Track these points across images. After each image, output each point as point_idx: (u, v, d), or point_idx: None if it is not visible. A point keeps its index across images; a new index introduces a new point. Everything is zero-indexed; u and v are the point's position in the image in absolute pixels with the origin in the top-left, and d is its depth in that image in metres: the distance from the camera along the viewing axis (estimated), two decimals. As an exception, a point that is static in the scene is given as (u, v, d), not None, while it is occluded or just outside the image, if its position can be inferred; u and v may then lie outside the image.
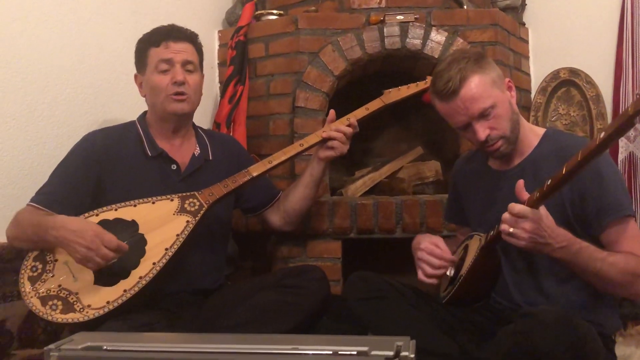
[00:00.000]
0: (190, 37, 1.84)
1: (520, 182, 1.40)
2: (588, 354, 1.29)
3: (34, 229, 1.61)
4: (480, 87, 1.51)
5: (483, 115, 1.51)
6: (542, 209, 1.37)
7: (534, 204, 1.36)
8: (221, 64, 2.76)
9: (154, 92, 1.80)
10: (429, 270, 1.62)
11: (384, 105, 2.02)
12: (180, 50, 1.79)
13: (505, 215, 1.39)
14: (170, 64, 1.78)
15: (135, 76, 1.87)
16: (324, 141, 1.94)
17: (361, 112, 1.99)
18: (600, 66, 2.66)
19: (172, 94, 1.77)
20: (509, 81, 1.59)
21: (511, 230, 1.38)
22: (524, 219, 1.35)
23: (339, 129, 1.92)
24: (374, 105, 2.01)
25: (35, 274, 1.58)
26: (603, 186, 1.47)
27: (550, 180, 1.33)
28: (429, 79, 2.01)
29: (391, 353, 1.04)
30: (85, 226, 1.57)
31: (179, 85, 1.77)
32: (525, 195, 1.39)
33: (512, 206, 1.37)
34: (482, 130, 1.52)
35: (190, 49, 1.82)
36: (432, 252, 1.62)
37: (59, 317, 1.52)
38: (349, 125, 1.94)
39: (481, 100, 1.50)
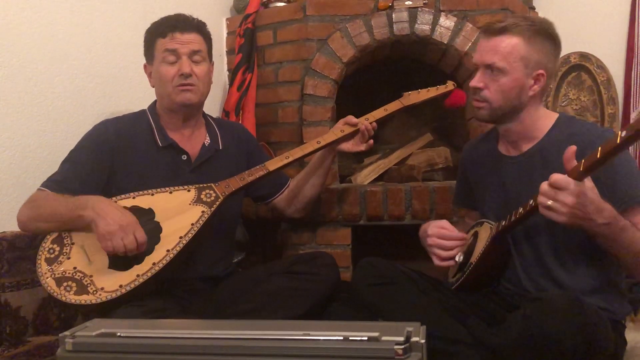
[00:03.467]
0: (197, 27, 1.83)
1: (572, 149, 1.28)
2: (598, 339, 1.29)
3: (70, 205, 1.61)
4: (509, 48, 1.50)
5: (488, 68, 1.53)
6: (588, 181, 1.27)
7: (578, 176, 1.25)
8: (229, 52, 2.75)
9: (161, 83, 1.80)
10: (443, 253, 1.63)
11: (403, 107, 2.02)
12: (187, 42, 1.78)
13: (544, 186, 1.28)
14: (176, 55, 1.77)
15: (145, 66, 1.87)
16: (340, 140, 1.95)
17: (379, 113, 1.99)
18: (611, 50, 2.63)
19: (178, 85, 1.77)
20: (542, 74, 1.53)
21: (549, 203, 1.27)
22: (565, 191, 1.25)
23: (367, 125, 1.94)
24: (393, 106, 2.01)
25: (52, 255, 1.60)
26: (616, 175, 1.44)
27: (601, 149, 1.20)
28: (449, 83, 2.01)
29: (402, 338, 1.05)
30: (126, 212, 1.60)
31: (186, 77, 1.77)
32: (571, 165, 1.27)
33: (552, 176, 1.27)
34: (477, 80, 1.55)
35: (197, 39, 1.81)
36: (441, 235, 1.63)
37: (72, 298, 1.54)
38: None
39: (497, 55, 1.51)
